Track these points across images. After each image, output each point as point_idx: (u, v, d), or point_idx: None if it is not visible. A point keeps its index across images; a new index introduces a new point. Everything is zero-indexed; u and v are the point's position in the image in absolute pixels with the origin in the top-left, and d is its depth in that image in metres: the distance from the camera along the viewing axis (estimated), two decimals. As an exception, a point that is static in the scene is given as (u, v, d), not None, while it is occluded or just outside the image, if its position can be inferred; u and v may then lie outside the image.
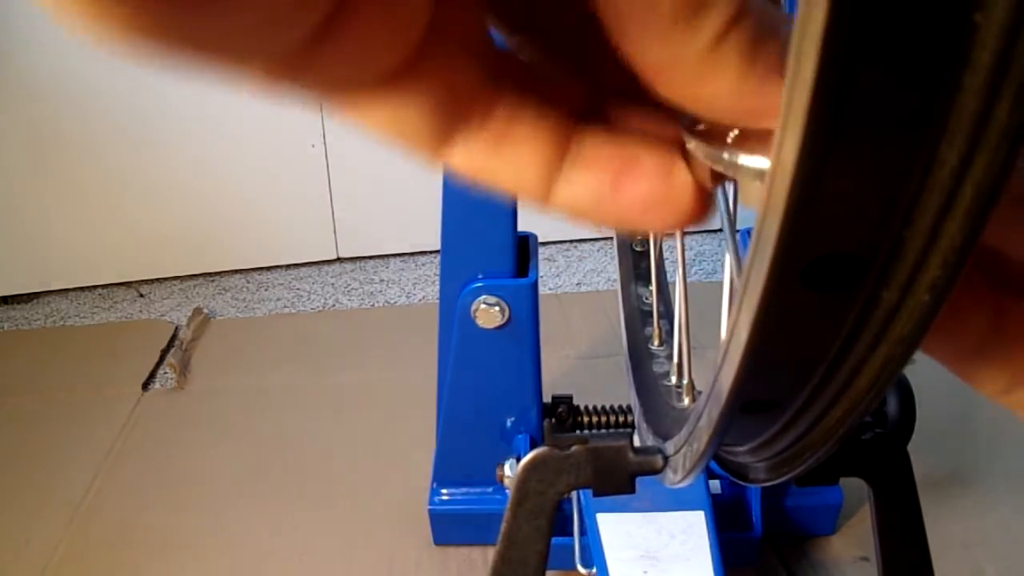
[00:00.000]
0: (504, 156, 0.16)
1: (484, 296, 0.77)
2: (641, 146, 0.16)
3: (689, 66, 0.13)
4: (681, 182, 0.16)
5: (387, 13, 0.14)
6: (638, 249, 0.66)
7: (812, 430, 0.17)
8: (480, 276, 0.77)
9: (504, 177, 0.16)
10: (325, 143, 1.48)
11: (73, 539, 0.96)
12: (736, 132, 0.14)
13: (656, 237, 0.59)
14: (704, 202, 0.16)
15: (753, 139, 0.14)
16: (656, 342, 0.59)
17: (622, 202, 0.16)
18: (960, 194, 0.12)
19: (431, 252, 1.54)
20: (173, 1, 0.11)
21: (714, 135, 0.15)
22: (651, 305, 0.60)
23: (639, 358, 0.56)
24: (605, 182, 0.16)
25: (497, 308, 0.77)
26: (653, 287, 0.60)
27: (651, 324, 0.60)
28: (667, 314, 0.61)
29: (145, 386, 1.22)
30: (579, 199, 0.16)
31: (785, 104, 0.11)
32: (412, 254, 1.58)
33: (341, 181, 1.51)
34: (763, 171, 0.14)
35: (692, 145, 0.15)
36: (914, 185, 0.12)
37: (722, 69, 0.13)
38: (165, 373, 1.25)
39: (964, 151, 0.12)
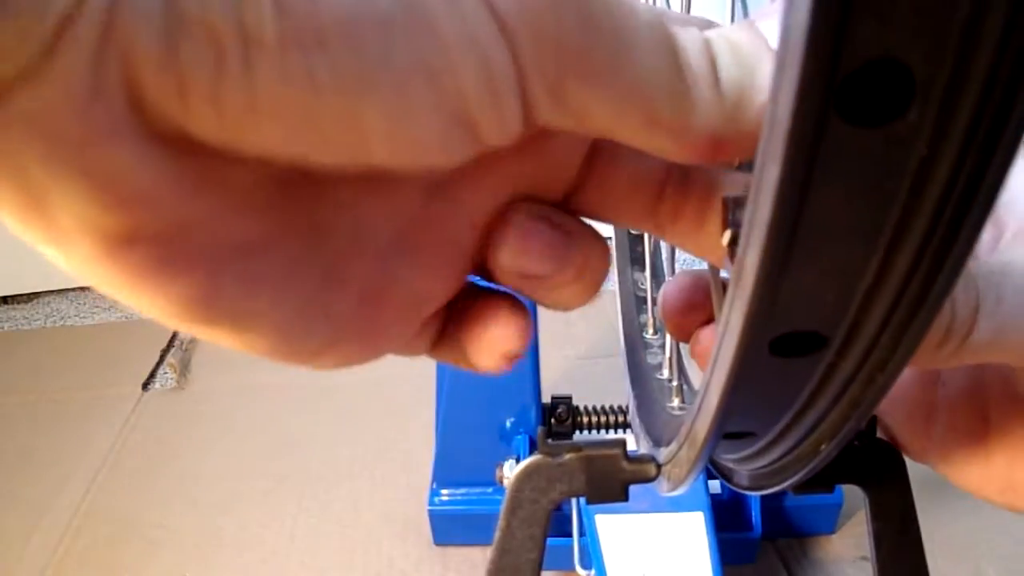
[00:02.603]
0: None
1: (483, 297, 0.77)
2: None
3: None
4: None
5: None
6: (635, 232, 0.66)
7: (788, 455, 0.17)
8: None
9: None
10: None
11: (73, 539, 0.96)
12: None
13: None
14: None
15: None
16: (651, 331, 0.59)
17: None
18: (909, 289, 0.14)
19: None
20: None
21: None
22: (646, 291, 0.60)
23: (634, 346, 0.56)
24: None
25: (496, 309, 0.77)
26: (648, 273, 0.60)
27: (646, 311, 0.60)
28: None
29: (145, 386, 1.22)
30: None
31: (747, 221, 0.12)
32: (412, 253, 1.58)
33: (341, 180, 1.51)
34: None
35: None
36: (868, 281, 0.14)
37: None
38: (165, 373, 1.25)
39: (914, 257, 0.13)
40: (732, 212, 0.16)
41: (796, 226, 0.12)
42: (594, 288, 0.20)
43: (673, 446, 0.20)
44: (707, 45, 0.15)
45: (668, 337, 0.52)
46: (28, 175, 0.13)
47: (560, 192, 0.20)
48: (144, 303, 0.15)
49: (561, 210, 0.19)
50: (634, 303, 0.59)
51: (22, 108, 0.12)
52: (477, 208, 0.19)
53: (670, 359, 0.50)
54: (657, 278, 0.60)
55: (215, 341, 0.16)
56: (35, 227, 0.13)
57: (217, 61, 0.13)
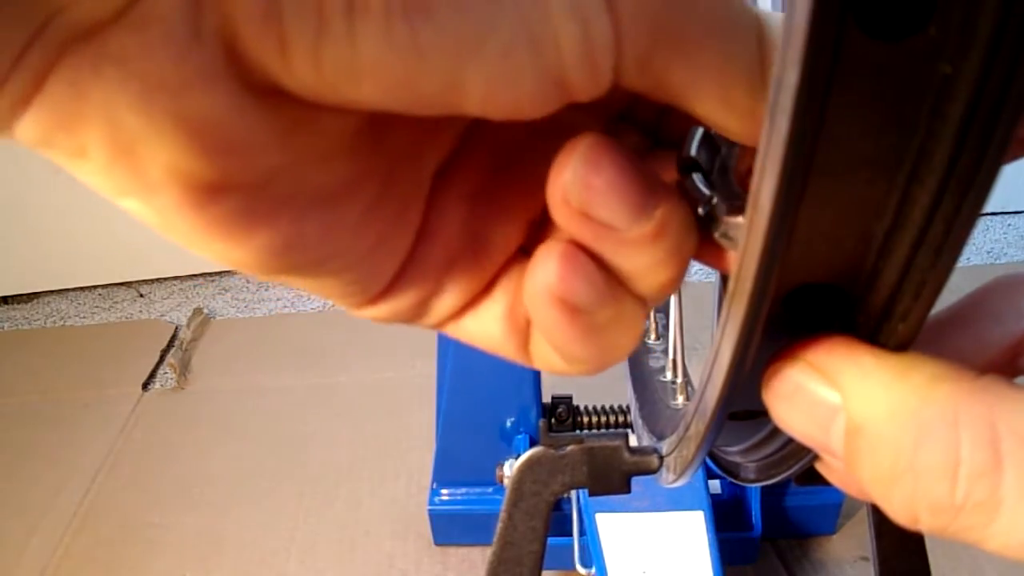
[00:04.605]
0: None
1: (483, 296, 0.77)
2: None
3: None
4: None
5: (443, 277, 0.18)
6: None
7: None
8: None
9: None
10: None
11: (73, 539, 0.96)
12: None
13: None
14: None
15: None
16: (652, 336, 0.59)
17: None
18: (932, 230, 0.13)
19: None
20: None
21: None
22: None
23: (635, 352, 0.56)
24: None
25: (496, 308, 0.77)
26: None
27: (648, 318, 0.60)
28: (663, 307, 0.61)
29: (145, 386, 1.22)
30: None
31: (763, 149, 0.12)
32: (412, 254, 1.57)
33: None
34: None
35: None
36: (888, 221, 0.13)
37: None
38: (165, 373, 1.25)
39: (936, 191, 0.12)
40: (691, 138, 0.17)
41: (814, 149, 0.12)
42: (676, 261, 0.17)
43: (680, 430, 0.20)
44: None
45: (671, 342, 0.52)
46: (119, 121, 0.12)
47: (650, 114, 0.19)
48: (224, 254, 0.15)
49: (644, 160, 0.18)
50: None
51: (117, 50, 0.12)
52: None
53: (673, 361, 0.50)
54: None
55: (287, 285, 0.16)
56: (119, 177, 0.13)
57: (320, 24, 0.13)
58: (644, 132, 0.20)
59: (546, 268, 0.16)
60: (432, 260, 0.18)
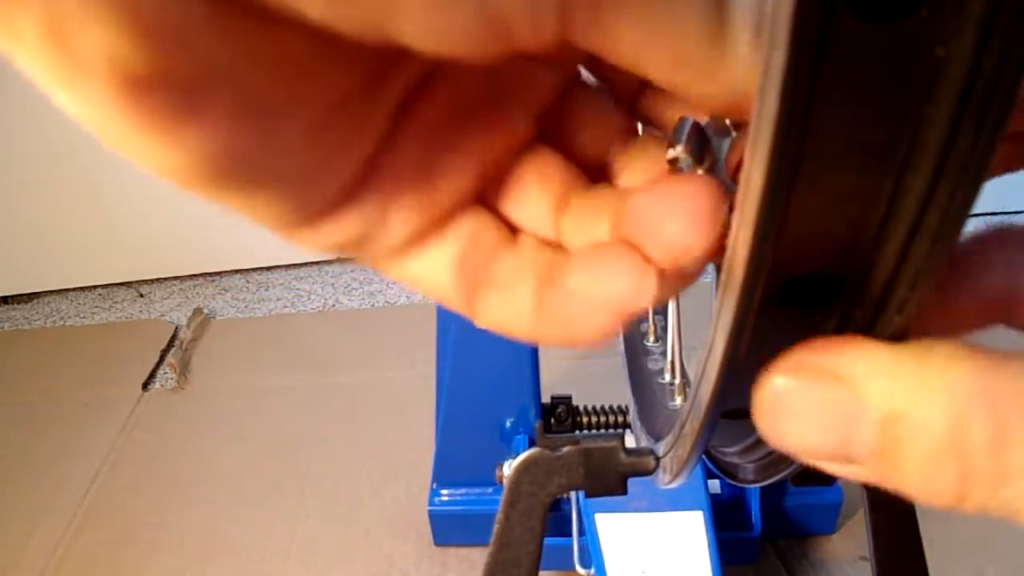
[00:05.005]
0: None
1: (483, 296, 0.76)
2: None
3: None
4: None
5: (414, 191, 0.18)
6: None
7: None
8: (479, 276, 0.77)
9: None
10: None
11: (73, 539, 0.96)
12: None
13: None
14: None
15: None
16: (651, 338, 0.59)
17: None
18: (926, 219, 0.13)
19: (431, 252, 1.54)
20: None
21: None
22: None
23: (634, 354, 0.56)
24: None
25: (496, 308, 0.77)
26: None
27: (646, 320, 0.60)
28: (662, 309, 0.61)
29: (145, 386, 1.22)
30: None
31: (752, 135, 0.12)
32: (412, 254, 1.57)
33: (341, 181, 1.50)
34: None
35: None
36: (882, 210, 0.13)
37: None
38: (165, 373, 1.25)
39: (930, 179, 0.12)
40: (681, 131, 0.16)
41: (803, 135, 0.12)
42: (692, 277, 0.17)
43: (676, 429, 0.20)
44: (761, 2, 0.14)
45: (669, 341, 0.52)
46: None
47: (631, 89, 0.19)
48: (155, 157, 0.14)
49: None
50: None
51: None
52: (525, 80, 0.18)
53: (671, 363, 0.50)
54: None
55: (221, 202, 0.16)
56: (51, 59, 0.13)
57: None
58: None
59: (641, 283, 0.16)
60: (380, 188, 0.18)
